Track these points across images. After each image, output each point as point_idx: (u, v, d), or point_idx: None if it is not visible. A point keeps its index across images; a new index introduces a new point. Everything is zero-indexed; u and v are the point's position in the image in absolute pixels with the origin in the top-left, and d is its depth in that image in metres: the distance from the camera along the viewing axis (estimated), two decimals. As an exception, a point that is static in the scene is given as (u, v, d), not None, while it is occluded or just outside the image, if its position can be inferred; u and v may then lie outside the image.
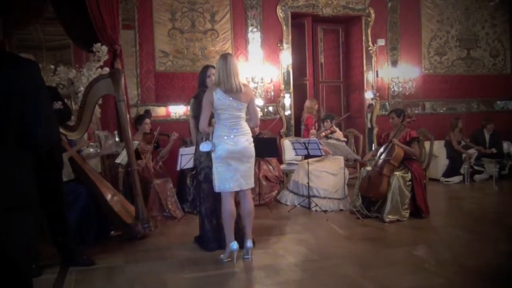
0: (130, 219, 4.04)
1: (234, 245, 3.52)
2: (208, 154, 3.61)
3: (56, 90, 4.54)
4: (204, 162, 3.83)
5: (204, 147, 3.51)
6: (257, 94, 6.70)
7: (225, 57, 3.48)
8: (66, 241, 3.47)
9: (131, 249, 3.95)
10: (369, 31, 7.52)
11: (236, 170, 3.48)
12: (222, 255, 3.60)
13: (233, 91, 3.40)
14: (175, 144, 5.40)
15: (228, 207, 3.52)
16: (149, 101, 6.47)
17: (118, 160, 4.65)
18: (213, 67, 3.86)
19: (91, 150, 4.59)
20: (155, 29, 6.55)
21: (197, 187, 4.24)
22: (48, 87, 2.45)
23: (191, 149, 4.43)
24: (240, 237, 3.66)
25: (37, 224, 1.83)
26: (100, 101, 4.66)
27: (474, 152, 7.22)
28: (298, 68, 7.47)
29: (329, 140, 5.54)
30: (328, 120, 6.00)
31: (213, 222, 3.91)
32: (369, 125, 7.64)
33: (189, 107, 3.97)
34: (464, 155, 7.07)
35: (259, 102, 6.75)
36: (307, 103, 6.96)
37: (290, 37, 7.11)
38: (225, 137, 3.44)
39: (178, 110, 6.62)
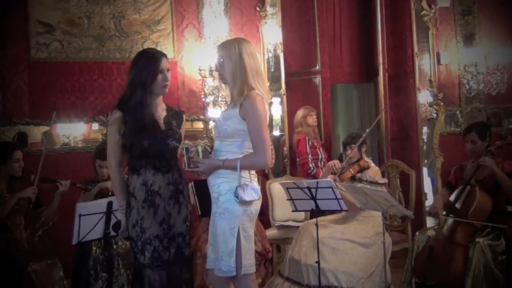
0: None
1: None
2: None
3: None
4: (150, 230, 3.88)
5: (253, 193, 3.88)
6: (219, 98, 6.84)
7: (246, 41, 3.97)
8: None
9: None
10: (421, -18, 7.75)
11: None
12: None
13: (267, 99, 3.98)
14: (70, 196, 5.40)
15: None
16: (19, 115, 6.55)
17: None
18: (165, 55, 4.01)
19: None
20: (29, -17, 6.68)
21: (135, 276, 4.24)
22: None
23: (101, 204, 4.44)
24: None
25: None
26: None
27: None
28: (299, 52, 7.64)
29: (356, 183, 5.53)
30: (353, 145, 5.99)
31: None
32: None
33: (107, 127, 3.98)
34: None
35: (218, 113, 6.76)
36: (298, 113, 7.29)
37: (279, -4, 7.37)
38: (254, 177, 3.96)
39: (74, 132, 6.69)
